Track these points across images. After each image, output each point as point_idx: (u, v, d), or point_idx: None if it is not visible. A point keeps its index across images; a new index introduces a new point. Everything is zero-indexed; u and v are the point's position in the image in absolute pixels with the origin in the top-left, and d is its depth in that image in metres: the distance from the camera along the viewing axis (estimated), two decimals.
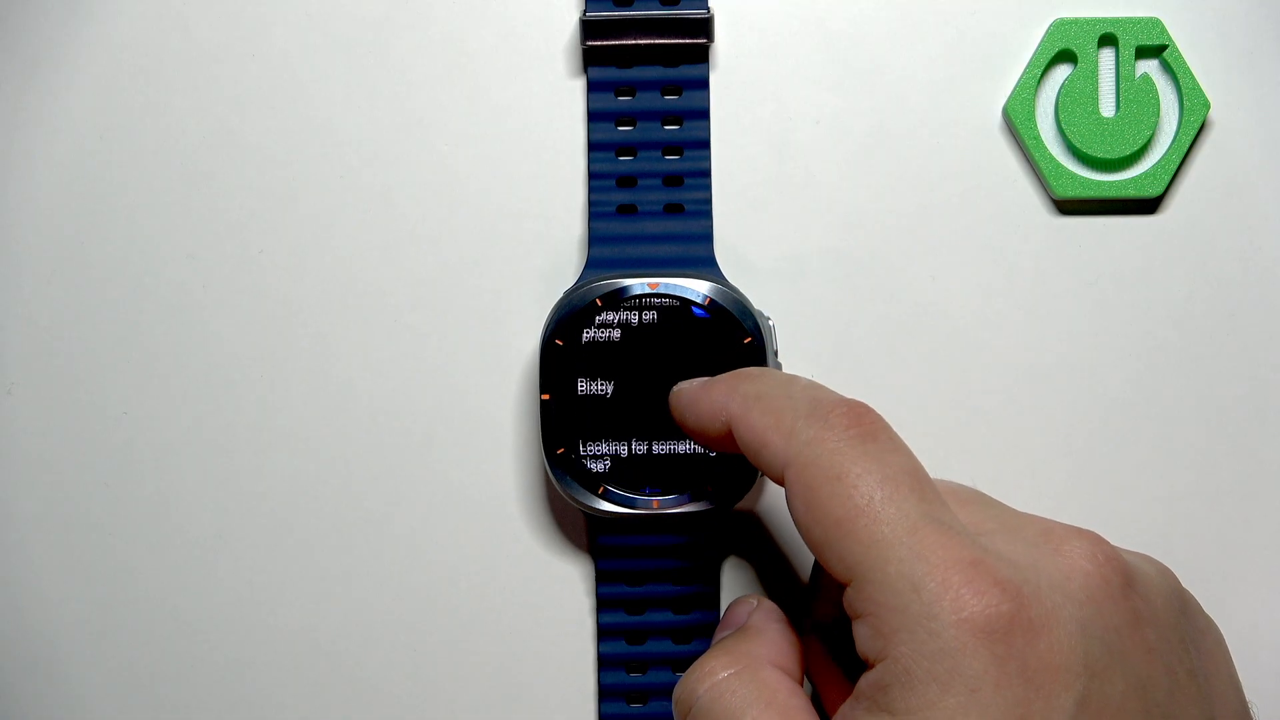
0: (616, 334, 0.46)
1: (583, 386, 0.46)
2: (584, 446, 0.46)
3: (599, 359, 0.46)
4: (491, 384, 0.49)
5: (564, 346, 0.46)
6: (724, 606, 0.49)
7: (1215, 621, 0.43)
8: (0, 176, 0.49)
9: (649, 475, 0.46)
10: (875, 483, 0.38)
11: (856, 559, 0.38)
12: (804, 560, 0.49)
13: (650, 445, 0.46)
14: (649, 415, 0.46)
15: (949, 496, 0.41)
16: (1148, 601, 0.39)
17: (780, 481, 0.40)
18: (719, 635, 0.45)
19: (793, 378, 0.42)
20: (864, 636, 0.38)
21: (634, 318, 0.46)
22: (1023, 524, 0.41)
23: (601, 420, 0.46)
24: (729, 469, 0.46)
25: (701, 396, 0.43)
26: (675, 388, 0.44)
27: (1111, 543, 0.40)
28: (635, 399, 0.46)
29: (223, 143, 0.49)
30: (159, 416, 0.49)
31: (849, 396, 0.40)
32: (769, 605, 0.44)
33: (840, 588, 0.38)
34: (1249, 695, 0.42)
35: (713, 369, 0.46)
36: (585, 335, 0.46)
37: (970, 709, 0.36)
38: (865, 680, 0.38)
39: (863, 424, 0.39)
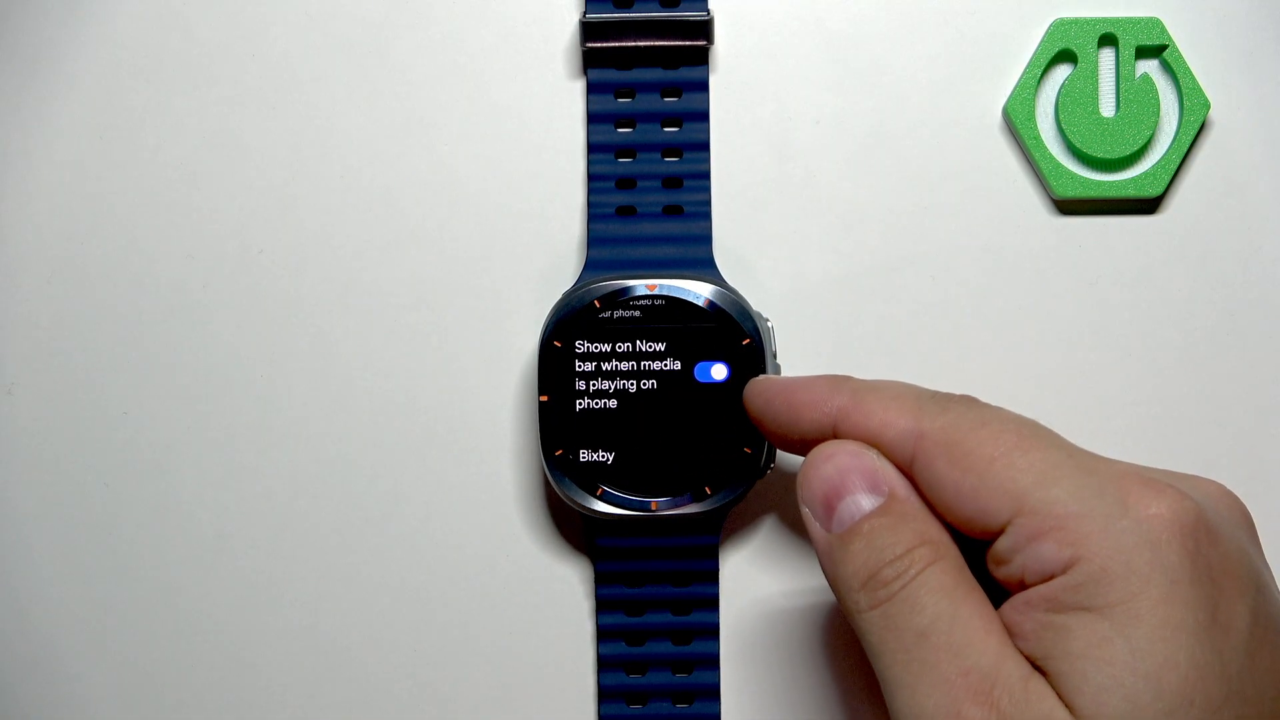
0: (615, 336, 0.46)
1: (581, 388, 0.46)
2: (582, 448, 0.46)
3: (597, 360, 0.46)
4: (490, 385, 0.49)
5: (562, 348, 0.46)
6: (723, 608, 0.49)
7: None
8: (0, 176, 0.49)
9: (647, 477, 0.46)
10: (1017, 425, 0.39)
11: (1023, 486, 0.38)
12: (803, 560, 0.49)
13: (648, 447, 0.46)
14: (647, 417, 0.46)
15: None
16: (1255, 540, 0.41)
17: (907, 461, 0.40)
18: (849, 500, 0.41)
19: (892, 380, 0.43)
20: (1044, 555, 0.37)
21: (632, 319, 0.46)
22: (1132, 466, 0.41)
23: (600, 422, 0.46)
24: (728, 470, 0.46)
25: (796, 389, 0.43)
26: (754, 383, 0.44)
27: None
28: (633, 401, 0.46)
29: (223, 143, 0.49)
30: (159, 416, 0.49)
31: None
32: (893, 470, 0.41)
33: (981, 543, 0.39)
34: None
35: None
36: (584, 337, 0.46)
37: (1173, 599, 0.36)
38: (1047, 590, 0.37)
39: (983, 405, 0.40)
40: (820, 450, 0.41)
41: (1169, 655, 0.36)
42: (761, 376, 0.45)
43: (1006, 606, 0.39)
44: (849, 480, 0.41)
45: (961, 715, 0.37)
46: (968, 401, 0.40)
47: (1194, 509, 0.37)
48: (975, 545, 0.39)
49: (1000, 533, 0.38)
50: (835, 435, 0.42)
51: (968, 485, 0.39)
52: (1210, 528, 0.37)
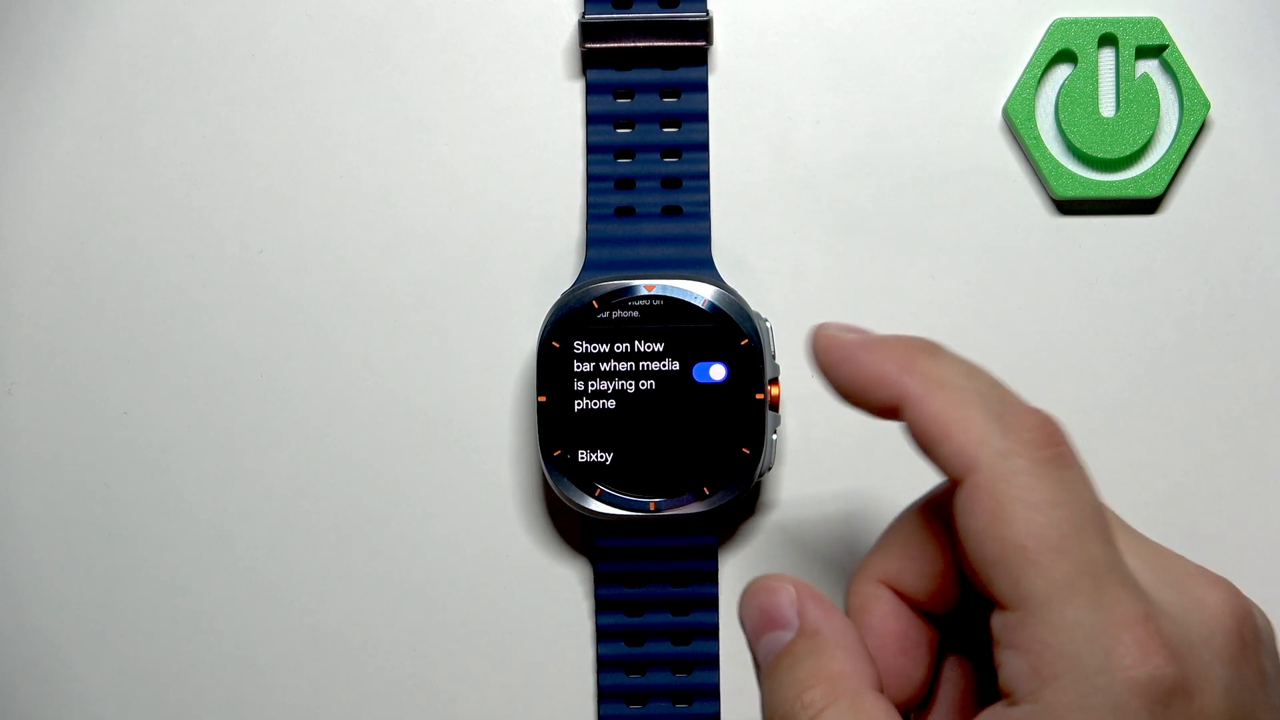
0: (613, 336, 0.46)
1: (580, 388, 0.46)
2: (581, 448, 0.46)
3: (596, 361, 0.46)
4: (490, 385, 0.49)
5: (561, 348, 0.46)
6: (723, 608, 0.49)
7: None
8: (0, 176, 0.49)
9: (646, 477, 0.46)
10: (1067, 518, 0.36)
11: (1033, 592, 0.36)
12: (802, 560, 0.49)
13: (647, 447, 0.46)
14: (646, 417, 0.46)
15: None
16: (1271, 659, 0.39)
17: (955, 478, 0.37)
18: (769, 636, 0.41)
19: (974, 366, 0.39)
20: (1016, 670, 0.36)
21: (631, 320, 0.46)
22: (1164, 564, 0.39)
23: (599, 422, 0.46)
24: (727, 470, 0.46)
25: (864, 358, 0.39)
26: (823, 333, 0.40)
27: (1240, 590, 0.39)
28: (632, 401, 0.46)
29: (223, 143, 0.49)
30: (159, 416, 0.49)
31: (1033, 406, 0.38)
32: (818, 597, 0.41)
33: (983, 602, 0.38)
34: None
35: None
36: (582, 337, 0.46)
37: None
38: (1005, 714, 0.36)
39: (1057, 446, 0.37)
40: (748, 587, 0.41)
41: None
42: (830, 329, 0.41)
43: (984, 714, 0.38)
44: (766, 619, 0.41)
45: None
46: (1042, 439, 0.37)
47: (1175, 671, 0.36)
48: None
49: (997, 609, 0.37)
50: (897, 416, 0.39)
51: (988, 554, 0.37)
52: (1186, 686, 0.36)
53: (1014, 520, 0.36)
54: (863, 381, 0.39)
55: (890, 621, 0.41)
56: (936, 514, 0.40)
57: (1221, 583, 0.39)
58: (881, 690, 0.40)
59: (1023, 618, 0.36)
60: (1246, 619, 0.38)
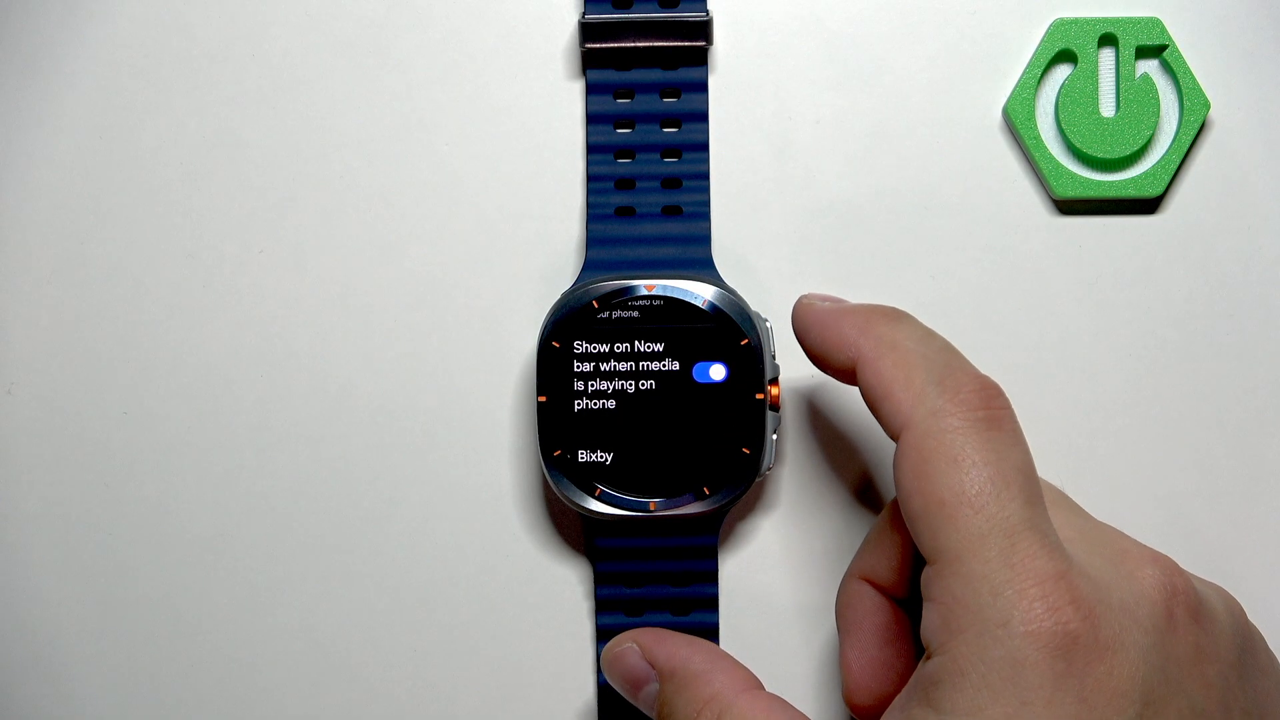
0: (613, 336, 0.46)
1: (579, 388, 0.46)
2: (581, 448, 0.46)
3: (596, 361, 0.46)
4: (489, 385, 0.49)
5: (561, 348, 0.46)
6: (723, 608, 0.49)
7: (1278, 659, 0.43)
8: (0, 176, 0.49)
9: (646, 477, 0.46)
10: (988, 476, 0.38)
11: (947, 545, 0.38)
12: (802, 560, 0.49)
13: (647, 447, 0.46)
14: (646, 417, 0.46)
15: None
16: (1211, 636, 0.39)
17: (893, 436, 0.40)
18: (642, 694, 0.45)
19: (930, 332, 0.42)
20: (931, 623, 0.38)
21: (631, 320, 0.46)
22: (1102, 538, 0.40)
23: (598, 422, 0.46)
24: (726, 470, 0.46)
25: (830, 323, 0.43)
26: (802, 301, 0.44)
27: (1186, 571, 0.40)
28: (632, 401, 0.46)
29: (223, 143, 0.49)
30: (159, 416, 0.49)
31: (980, 372, 0.41)
32: (659, 636, 0.45)
33: (918, 559, 0.39)
34: None
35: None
36: (582, 337, 0.46)
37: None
38: (920, 671, 0.38)
39: (990, 407, 0.39)
40: (602, 660, 0.45)
41: None
42: (810, 298, 0.44)
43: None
44: (630, 681, 0.44)
45: None
46: (978, 399, 0.39)
47: (1082, 627, 0.36)
48: None
49: (926, 566, 0.38)
50: (855, 379, 0.42)
51: (914, 508, 0.39)
52: (1095, 644, 0.36)
53: (935, 475, 0.38)
54: (826, 344, 0.42)
55: (871, 615, 0.44)
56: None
57: (1158, 560, 0.40)
58: (760, 686, 0.42)
59: (939, 570, 0.38)
60: (1179, 594, 0.39)
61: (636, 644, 0.44)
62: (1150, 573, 0.39)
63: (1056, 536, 0.38)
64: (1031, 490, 0.38)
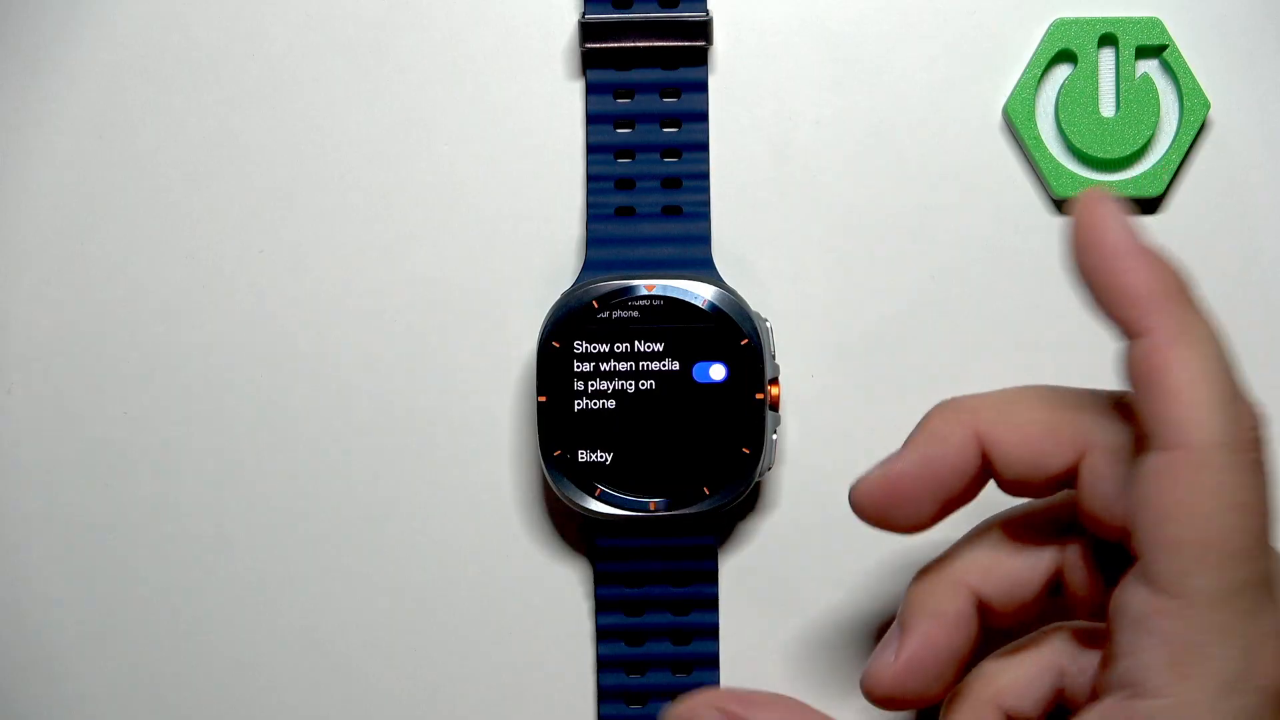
0: (613, 336, 0.46)
1: (579, 388, 0.46)
2: (581, 448, 0.46)
3: (596, 361, 0.46)
4: (489, 385, 0.49)
5: (561, 348, 0.46)
6: (723, 608, 0.49)
7: None
8: (0, 176, 0.49)
9: (646, 477, 0.46)
10: (1259, 526, 0.36)
11: (1203, 588, 0.35)
12: (802, 560, 0.49)
13: (647, 447, 0.46)
14: (646, 417, 0.46)
15: None
16: None
17: (1157, 444, 0.36)
18: None
19: (1216, 329, 0.37)
20: (1150, 661, 0.35)
21: (631, 320, 0.46)
22: None
23: (598, 422, 0.46)
24: (726, 470, 0.46)
25: (1124, 266, 0.37)
26: (1095, 207, 0.37)
27: None
28: (632, 401, 0.46)
29: (223, 143, 0.49)
30: (159, 416, 0.49)
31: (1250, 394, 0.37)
32: (737, 698, 0.40)
33: (1117, 561, 0.37)
34: None
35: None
36: (582, 337, 0.46)
37: None
38: (1127, 707, 0.36)
39: (1263, 448, 0.36)
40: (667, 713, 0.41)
41: None
42: (1105, 205, 0.37)
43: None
44: None
45: None
46: (1255, 440, 0.36)
47: None
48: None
49: (1140, 590, 0.36)
50: (1126, 338, 0.37)
51: (1168, 535, 0.36)
52: None
53: (1212, 515, 0.35)
54: (1113, 291, 0.37)
55: (958, 631, 0.41)
56: (1040, 530, 0.40)
57: None
58: None
59: (1180, 609, 0.35)
60: None
61: (713, 708, 0.40)
62: None
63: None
64: (1274, 533, 0.36)
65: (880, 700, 0.41)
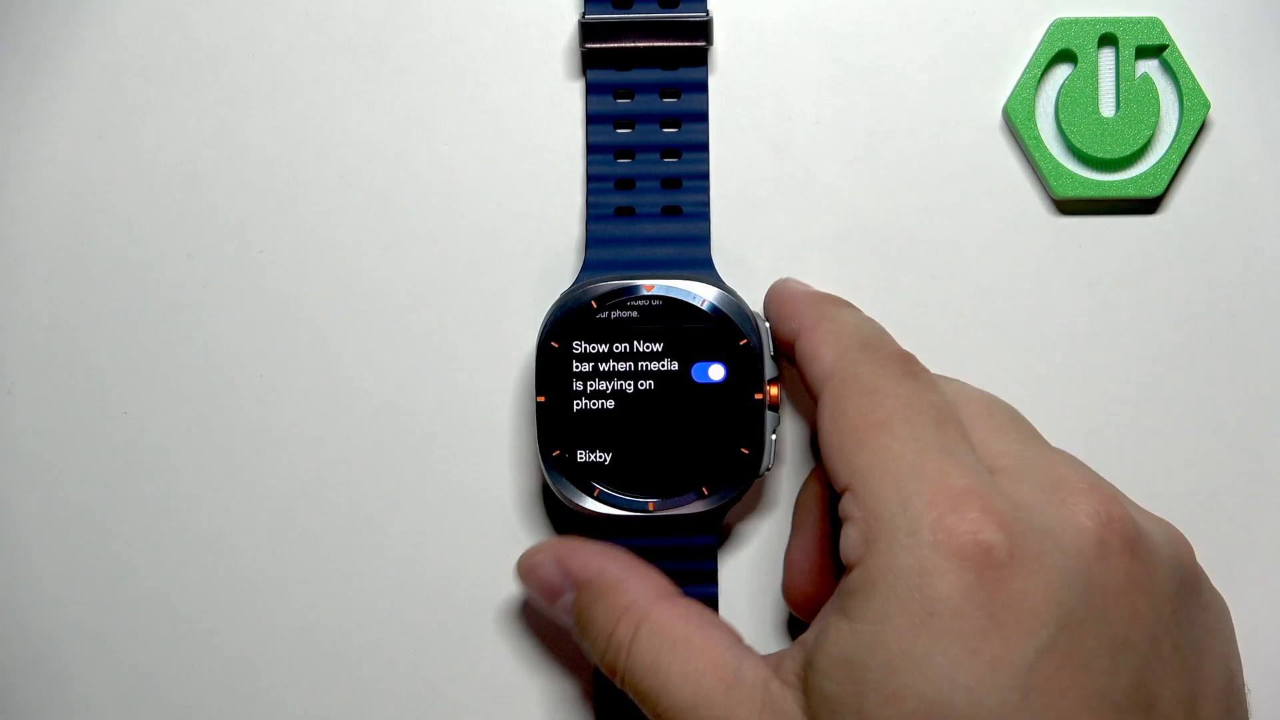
0: (612, 336, 0.46)
1: (578, 388, 0.46)
2: (580, 448, 0.46)
3: (595, 361, 0.46)
4: (489, 385, 0.49)
5: (560, 348, 0.46)
6: (723, 608, 0.49)
7: (1224, 601, 0.42)
8: (0, 176, 0.49)
9: (645, 477, 0.46)
10: (900, 404, 0.40)
11: (860, 465, 0.39)
12: None
13: (646, 447, 0.46)
14: (645, 418, 0.46)
15: (985, 414, 0.42)
16: (1147, 567, 0.39)
17: (818, 393, 0.42)
18: (558, 604, 0.45)
19: (869, 318, 0.44)
20: (848, 540, 0.39)
21: (630, 320, 0.46)
22: (1042, 466, 0.40)
23: (597, 422, 0.46)
24: (725, 470, 0.46)
25: (786, 300, 0.45)
26: (780, 281, 0.47)
27: (1129, 502, 0.40)
28: (631, 401, 0.46)
29: (223, 143, 0.50)
30: (159, 416, 0.49)
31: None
32: (575, 546, 0.45)
33: (838, 498, 0.40)
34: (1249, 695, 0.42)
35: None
36: (581, 337, 0.46)
37: (921, 631, 0.36)
38: (841, 584, 0.39)
39: (910, 366, 0.41)
40: (517, 571, 0.46)
41: (897, 690, 0.36)
42: (786, 280, 0.47)
43: None
44: (546, 591, 0.45)
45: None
46: (899, 358, 0.42)
47: (995, 539, 0.37)
48: None
49: (842, 495, 0.40)
50: (793, 350, 0.44)
51: (830, 444, 0.40)
52: (1009, 560, 0.36)
53: (851, 408, 0.40)
54: (784, 317, 0.45)
55: (822, 519, 0.46)
56: None
57: (1097, 488, 0.40)
58: (677, 593, 0.44)
59: (854, 492, 0.39)
60: (1115, 524, 0.39)
61: (552, 554, 0.45)
62: (1085, 500, 0.39)
63: (974, 459, 0.39)
64: (946, 423, 0.40)
65: (801, 608, 0.46)
